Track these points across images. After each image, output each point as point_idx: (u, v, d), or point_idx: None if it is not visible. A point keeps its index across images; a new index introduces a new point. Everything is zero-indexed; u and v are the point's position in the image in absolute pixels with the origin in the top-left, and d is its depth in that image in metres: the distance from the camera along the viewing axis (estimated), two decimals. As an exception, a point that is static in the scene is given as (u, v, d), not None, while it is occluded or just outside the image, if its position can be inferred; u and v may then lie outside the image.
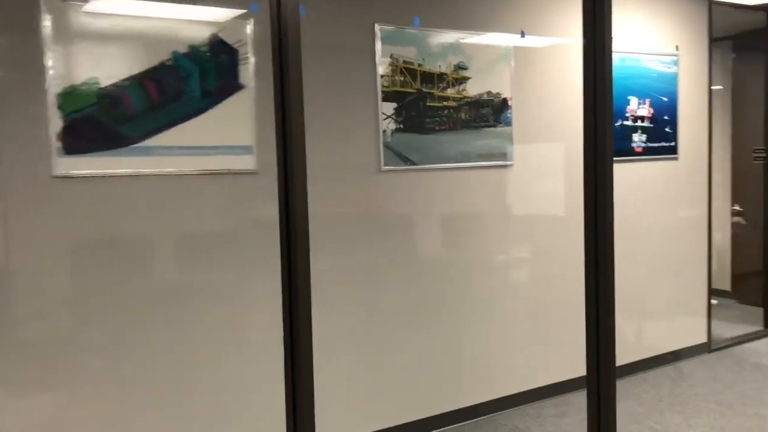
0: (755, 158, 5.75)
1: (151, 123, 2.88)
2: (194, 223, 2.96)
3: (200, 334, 2.98)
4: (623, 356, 4.41)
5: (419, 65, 3.53)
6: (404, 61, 3.48)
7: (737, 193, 6.23)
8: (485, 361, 3.87)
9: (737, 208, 6.22)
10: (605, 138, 2.26)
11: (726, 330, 5.38)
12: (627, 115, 4.39)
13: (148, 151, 2.87)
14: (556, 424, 3.75)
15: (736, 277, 6.38)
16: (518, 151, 3.92)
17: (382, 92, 3.41)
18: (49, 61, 2.66)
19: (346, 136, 3.32)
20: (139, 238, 2.85)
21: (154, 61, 2.86)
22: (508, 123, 3.86)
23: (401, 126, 3.48)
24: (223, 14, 3.01)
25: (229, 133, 3.05)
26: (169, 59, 2.90)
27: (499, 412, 3.90)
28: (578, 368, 4.19)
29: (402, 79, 3.47)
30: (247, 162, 3.09)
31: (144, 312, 2.85)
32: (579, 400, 4.05)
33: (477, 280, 3.81)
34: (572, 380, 4.18)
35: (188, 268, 2.96)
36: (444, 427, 3.70)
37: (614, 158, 4.33)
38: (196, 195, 2.96)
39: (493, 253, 3.91)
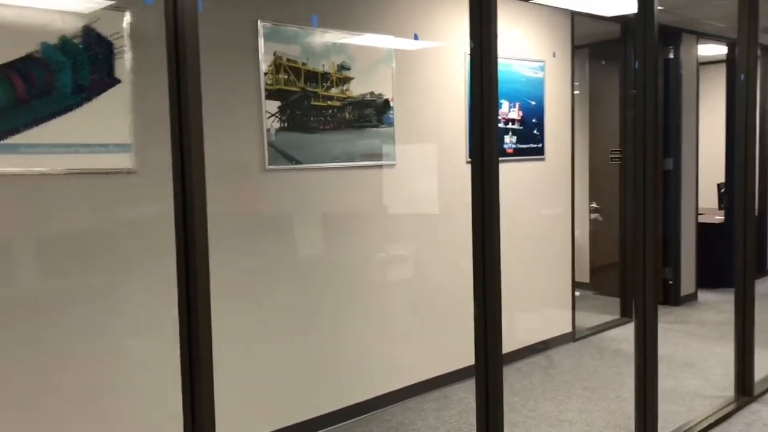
0: (612, 159, 6.20)
1: (17, 119, 2.67)
2: (65, 225, 2.78)
3: (75, 340, 2.80)
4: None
5: (303, 64, 3.51)
6: (288, 59, 3.45)
7: (595, 192, 6.69)
8: (368, 359, 3.91)
9: (595, 205, 6.68)
10: (491, 138, 2.35)
11: (587, 320, 5.75)
12: (499, 117, 4.59)
13: (14, 149, 2.66)
14: (438, 417, 3.86)
15: (594, 270, 6.86)
16: (400, 151, 3.99)
17: (266, 90, 3.36)
18: None
19: (230, 134, 3.25)
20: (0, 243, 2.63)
21: (20, 52, 2.66)
22: (391, 123, 3.93)
23: (286, 125, 3.44)
24: (96, 5, 2.85)
25: (104, 130, 2.88)
26: (37, 51, 2.70)
27: (383, 409, 3.95)
28: (455, 361, 4.33)
29: (286, 77, 3.44)
30: (123, 161, 2.94)
31: (3, 322, 2.64)
32: (456, 392, 4.19)
33: (360, 279, 3.85)
34: (450, 374, 4.31)
35: (57, 273, 2.77)
36: (331, 426, 3.70)
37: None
38: (67, 196, 2.78)
39: (375, 252, 3.96)
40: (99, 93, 2.86)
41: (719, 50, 7.16)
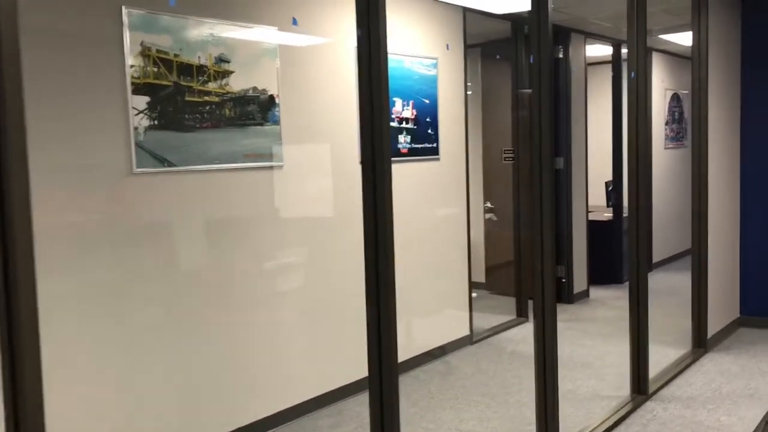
0: (505, 158, 6.16)
1: None
2: None
3: None
4: (395, 356, 4.40)
5: (176, 55, 3.17)
6: (158, 50, 3.10)
7: (489, 192, 6.65)
8: (256, 376, 3.61)
9: (489, 205, 6.64)
10: (381, 137, 2.13)
11: (484, 321, 5.67)
12: (393, 116, 4.40)
13: None
14: (334, 434, 3.62)
15: (489, 270, 6.82)
16: (288, 151, 3.72)
17: (132, 84, 2.99)
18: None
19: (90, 134, 2.86)
20: None
21: None
22: (276, 121, 3.65)
23: (156, 123, 3.09)
24: None
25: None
26: None
27: (274, 430, 3.66)
28: (350, 374, 4.10)
29: (156, 70, 3.09)
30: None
31: None
32: (351, 407, 3.96)
33: (244, 290, 3.54)
34: (345, 387, 4.08)
35: None
36: (215, 453, 3.38)
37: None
38: None
39: (262, 260, 3.67)
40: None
41: (605, 50, 7.31)
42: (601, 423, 3.56)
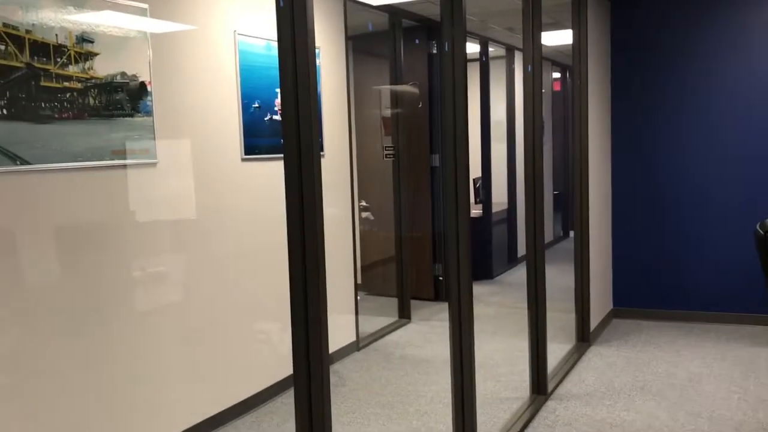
0: (386, 155, 5.96)
1: None
2: None
3: None
4: (275, 374, 4.03)
5: (28, 32, 2.63)
6: (5, 24, 2.55)
7: (364, 189, 6.43)
8: (127, 407, 3.13)
9: (365, 203, 6.42)
10: (311, 132, 1.82)
11: (367, 324, 5.44)
12: (276, 109, 4.04)
13: None
14: (224, 464, 3.22)
15: (365, 270, 6.61)
16: (162, 146, 3.25)
17: (-27, 64, 2.44)
18: None
19: None
20: None
21: None
22: (149, 112, 3.18)
23: (5, 112, 2.55)
24: None
25: None
26: None
27: (153, 465, 3.20)
28: (236, 394, 3.72)
29: (3, 48, 2.54)
30: None
31: None
32: (240, 429, 3.59)
33: (116, 307, 3.05)
34: (231, 408, 3.68)
35: None
36: (86, 502, 2.87)
37: (260, 156, 3.94)
38: None
39: (135, 270, 3.19)
40: None
41: (472, 48, 7.33)
42: (509, 427, 3.44)
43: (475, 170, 7.64)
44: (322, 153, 4.47)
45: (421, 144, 6.28)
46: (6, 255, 2.58)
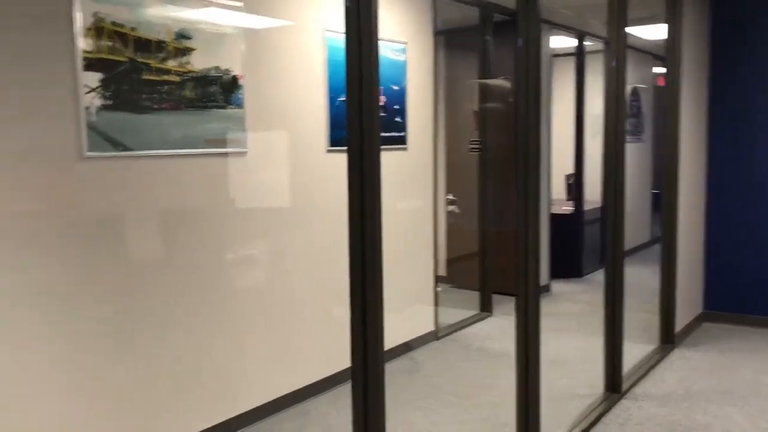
0: (471, 150, 6.01)
1: None
2: None
3: None
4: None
5: (132, 29, 2.89)
6: (113, 23, 2.81)
7: (452, 183, 6.50)
8: (215, 377, 3.37)
9: (451, 197, 6.49)
10: (372, 127, 1.93)
11: (448, 316, 5.52)
12: (361, 101, 4.18)
13: None
14: (299, 438, 3.41)
15: (450, 263, 6.68)
16: (252, 137, 3.47)
17: (84, 59, 2.71)
18: None
19: (35, 114, 2.57)
20: None
21: None
22: (240, 104, 3.39)
23: (110, 102, 2.81)
24: None
25: None
26: None
27: (244, 429, 3.44)
28: (314, 373, 3.91)
29: (110, 44, 2.80)
30: None
31: None
32: (317, 407, 3.77)
33: (210, 286, 3.29)
34: (309, 386, 3.88)
35: None
36: (172, 462, 3.13)
37: (343, 148, 4.10)
38: None
39: (227, 254, 3.42)
40: None
41: (568, 42, 7.23)
42: (580, 422, 3.44)
43: (569, 166, 7.56)
44: (404, 146, 4.59)
45: (510, 139, 6.27)
46: (112, 235, 2.85)
